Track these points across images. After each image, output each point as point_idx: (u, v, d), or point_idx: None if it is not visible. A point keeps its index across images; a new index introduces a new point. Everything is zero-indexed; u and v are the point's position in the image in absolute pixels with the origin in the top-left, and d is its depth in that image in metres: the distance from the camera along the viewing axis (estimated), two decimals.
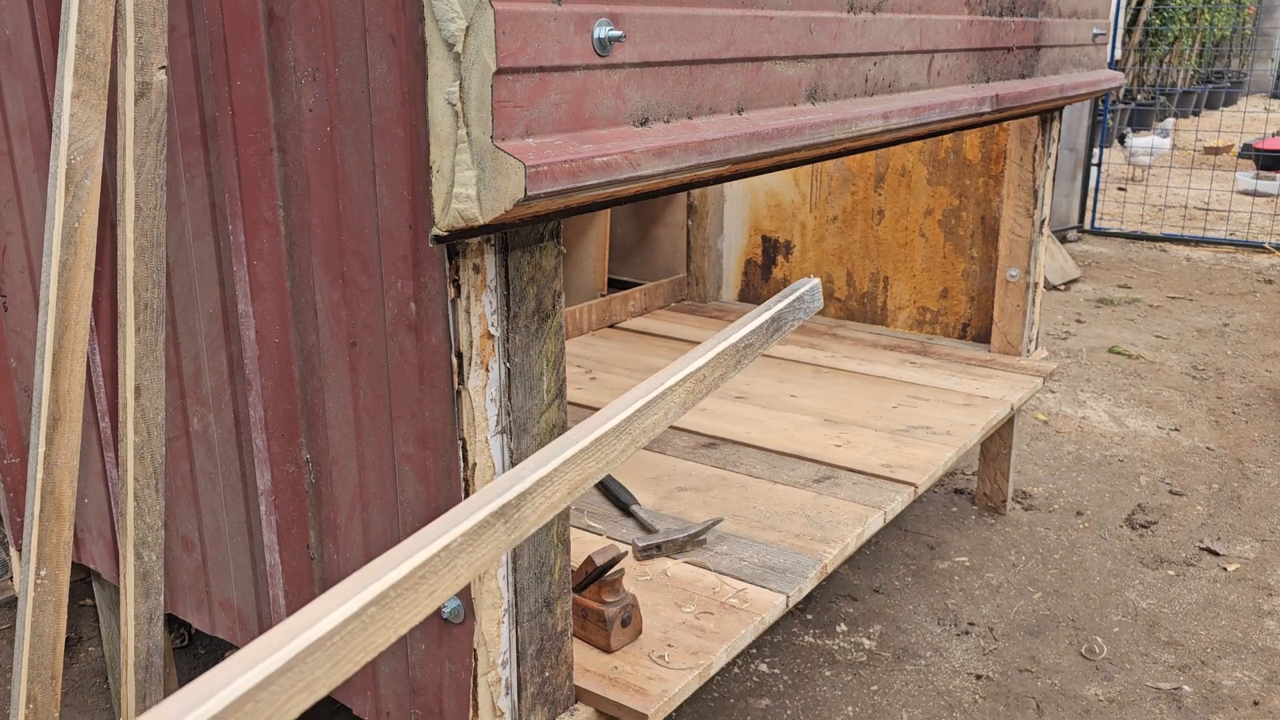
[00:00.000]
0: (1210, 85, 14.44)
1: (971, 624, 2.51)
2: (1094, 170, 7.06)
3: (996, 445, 2.99)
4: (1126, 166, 8.66)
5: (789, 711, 2.21)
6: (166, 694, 2.10)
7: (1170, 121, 8.66)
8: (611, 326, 3.35)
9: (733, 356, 1.25)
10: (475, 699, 1.38)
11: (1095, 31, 2.67)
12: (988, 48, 2.07)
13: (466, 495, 1.28)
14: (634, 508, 2.06)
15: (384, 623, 0.81)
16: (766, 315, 1.31)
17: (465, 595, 1.33)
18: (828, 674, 2.33)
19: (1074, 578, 2.73)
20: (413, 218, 1.22)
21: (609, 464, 1.08)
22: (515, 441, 1.32)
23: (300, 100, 1.30)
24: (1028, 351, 2.99)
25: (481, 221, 1.09)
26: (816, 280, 1.42)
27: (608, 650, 1.62)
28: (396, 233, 1.24)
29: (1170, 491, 3.24)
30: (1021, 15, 2.19)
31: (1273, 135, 9.28)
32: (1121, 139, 8.42)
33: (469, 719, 1.39)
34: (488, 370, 1.26)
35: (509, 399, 1.30)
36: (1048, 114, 2.78)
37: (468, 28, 1.04)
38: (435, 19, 1.05)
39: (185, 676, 2.32)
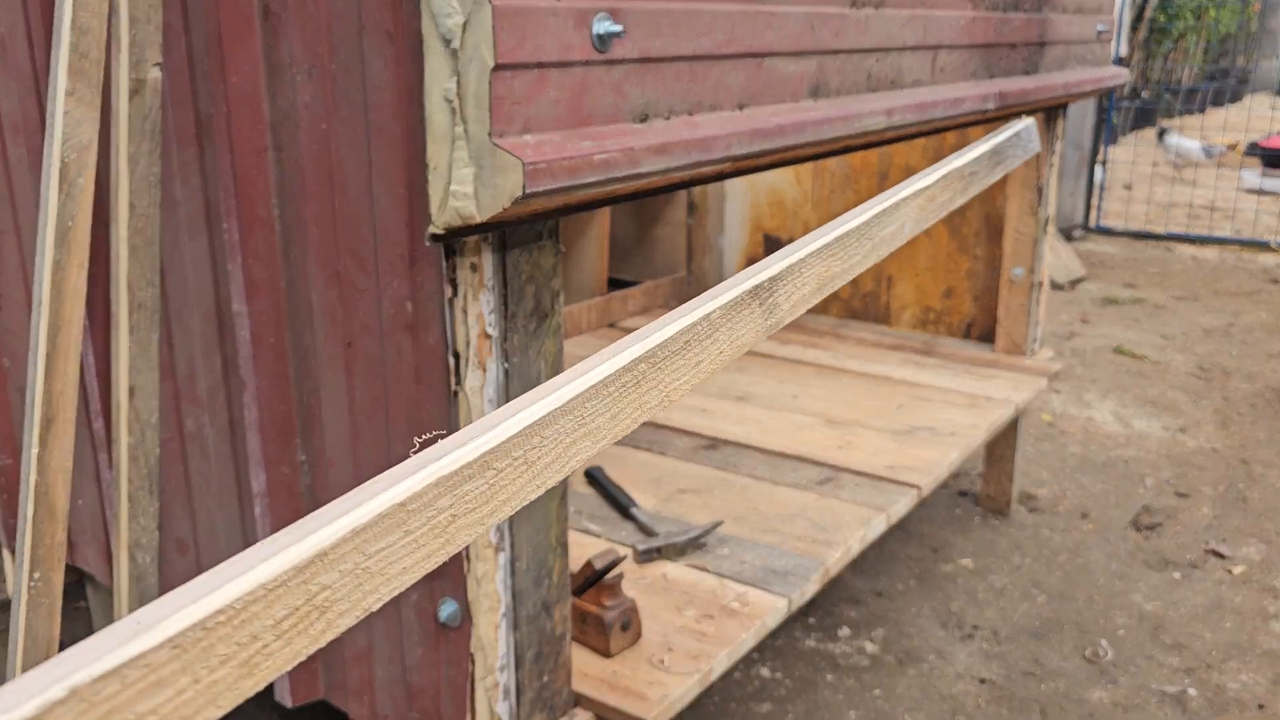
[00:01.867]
0: (1215, 82, 14.41)
1: (975, 627, 2.49)
2: (1099, 168, 7.04)
3: (1001, 446, 2.97)
4: (1158, 164, 8.59)
5: (791, 716, 2.19)
6: None
7: (1220, 148, 8.55)
8: (611, 326, 3.33)
9: (959, 181, 1.32)
10: (473, 704, 1.36)
11: (1099, 28, 2.64)
12: (992, 44, 2.05)
13: None
14: (634, 510, 2.04)
15: (654, 382, 0.85)
16: (987, 146, 1.37)
17: (462, 598, 1.32)
18: (830, 678, 2.31)
19: (1079, 580, 2.71)
20: (409, 216, 1.20)
21: (852, 267, 1.13)
22: None
23: (296, 97, 1.29)
24: (1032, 351, 2.97)
25: (479, 220, 1.07)
26: (1031, 120, 1.46)
27: (607, 654, 1.60)
28: (393, 231, 1.23)
29: (1176, 493, 3.22)
30: (1025, 11, 2.17)
31: (1278, 133, 9.25)
32: (1161, 135, 8.36)
33: None
34: (485, 371, 1.24)
35: (507, 399, 1.28)
36: (1052, 111, 2.76)
37: (465, 23, 1.02)
38: (432, 14, 1.04)
39: None
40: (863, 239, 1.14)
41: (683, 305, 0.93)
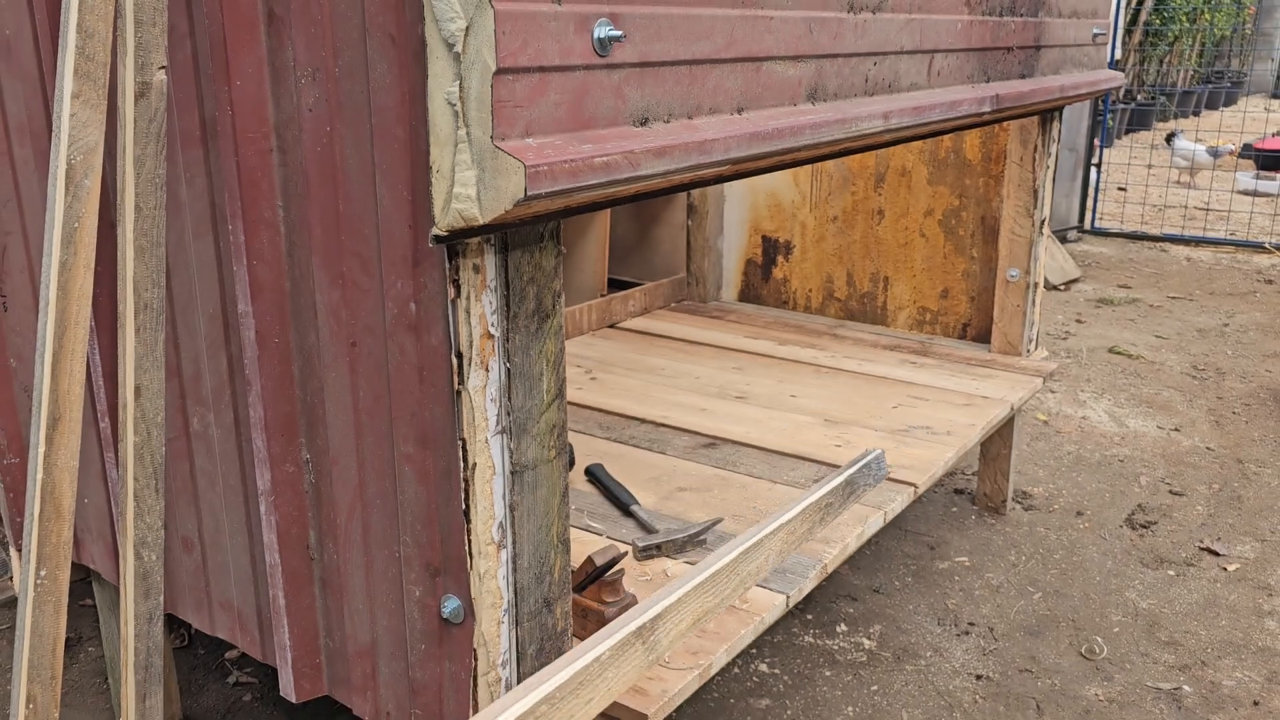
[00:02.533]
0: (1210, 85, 14.44)
1: (972, 624, 2.51)
2: (1094, 170, 7.06)
3: (997, 445, 2.99)
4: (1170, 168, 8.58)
5: (789, 712, 2.21)
6: (166, 694, 2.10)
7: (1227, 148, 8.54)
8: (611, 326, 3.35)
9: (816, 512, 1.52)
10: (475, 699, 1.38)
11: (1095, 31, 2.66)
12: (988, 48, 2.07)
13: (466, 496, 1.28)
14: (634, 508, 2.06)
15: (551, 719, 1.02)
16: (840, 479, 1.57)
17: (465, 595, 1.33)
18: (828, 674, 2.33)
19: (1074, 578, 2.73)
20: (413, 218, 1.22)
21: (724, 600, 1.32)
22: (515, 442, 1.32)
23: (300, 100, 1.30)
24: (1028, 351, 2.99)
25: (481, 221, 1.09)
26: (881, 451, 1.65)
27: None
28: (396, 233, 1.24)
29: (1170, 491, 3.24)
30: (1022, 15, 2.19)
31: (1273, 135, 9.28)
32: (1169, 139, 8.36)
33: (469, 719, 1.39)
34: (488, 370, 1.26)
35: (509, 399, 1.30)
36: (1048, 114, 2.78)
37: (467, 27, 1.04)
38: (435, 19, 1.05)
39: (185, 677, 2.32)
40: (731, 575, 1.31)
41: (573, 650, 1.09)
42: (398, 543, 1.40)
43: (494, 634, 1.36)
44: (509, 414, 1.30)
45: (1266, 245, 6.63)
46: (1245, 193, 8.36)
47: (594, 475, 2.20)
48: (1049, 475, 3.34)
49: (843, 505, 1.55)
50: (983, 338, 3.11)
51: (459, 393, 1.24)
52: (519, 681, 1.41)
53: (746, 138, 1.36)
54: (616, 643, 1.07)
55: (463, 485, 1.28)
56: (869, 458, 1.60)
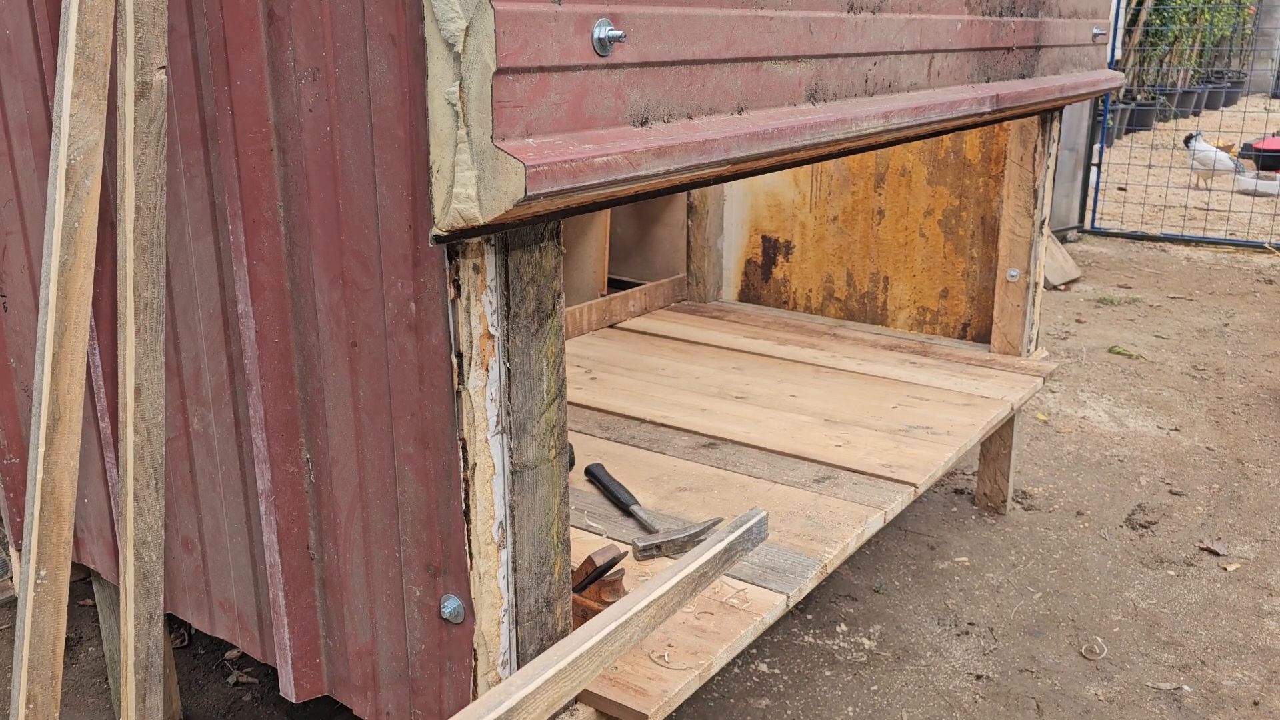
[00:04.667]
0: (1210, 85, 14.44)
1: (971, 624, 2.51)
2: (1094, 170, 7.06)
3: (996, 445, 2.99)
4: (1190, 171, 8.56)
5: (789, 711, 2.21)
6: (166, 694, 2.10)
7: (1243, 164, 8.52)
8: (611, 326, 3.35)
9: (690, 584, 1.46)
10: (474, 698, 1.38)
11: (1095, 31, 2.67)
12: (988, 48, 2.07)
13: (466, 496, 1.28)
14: (634, 508, 2.06)
15: None
16: (720, 546, 1.52)
17: (465, 595, 1.34)
18: (828, 674, 2.33)
19: (1074, 578, 2.73)
20: (413, 218, 1.22)
21: (583, 681, 1.26)
22: (515, 441, 1.32)
23: (300, 100, 1.30)
24: (1028, 351, 2.99)
25: (481, 221, 1.09)
26: (764, 512, 1.63)
27: None
28: (396, 233, 1.24)
29: (1170, 491, 3.24)
30: (1021, 15, 2.19)
31: (1273, 135, 9.28)
32: (1188, 141, 8.34)
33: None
34: (488, 370, 1.26)
35: (509, 399, 1.30)
36: (1048, 114, 2.78)
37: (468, 27, 1.04)
38: (435, 19, 1.05)
39: (185, 676, 2.32)
40: (594, 657, 1.26)
41: None
42: (398, 543, 1.40)
43: (494, 634, 1.36)
44: (509, 414, 1.30)
45: (1266, 245, 6.63)
46: (1245, 193, 8.36)
47: (594, 475, 2.20)
48: (1049, 475, 3.34)
49: (717, 574, 1.53)
50: (983, 338, 3.12)
51: (459, 393, 1.24)
52: None
53: (746, 138, 1.36)
54: None
55: (463, 485, 1.28)
56: (751, 521, 1.59)
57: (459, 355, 1.23)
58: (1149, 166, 8.30)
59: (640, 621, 1.33)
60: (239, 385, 1.56)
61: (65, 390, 1.52)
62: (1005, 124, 2.88)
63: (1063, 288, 5.69)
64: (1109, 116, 9.11)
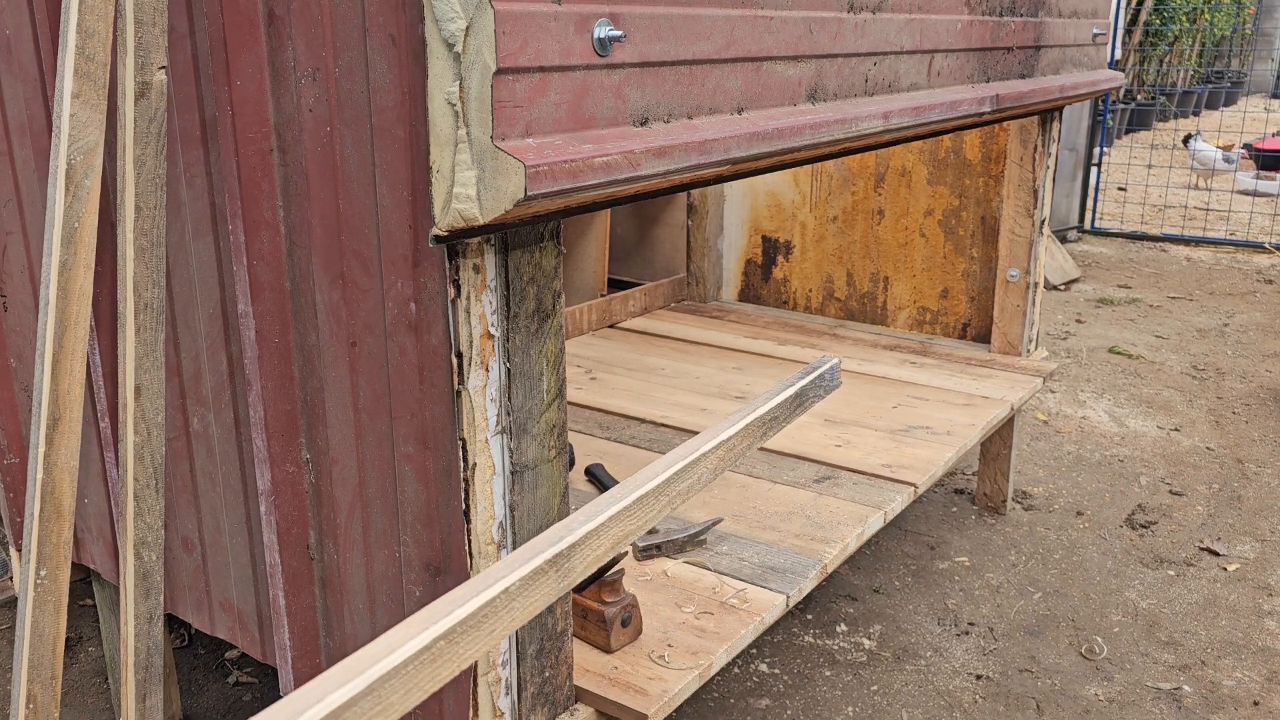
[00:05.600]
0: (1210, 85, 14.44)
1: (971, 624, 2.51)
2: (1094, 170, 7.06)
3: (996, 445, 2.99)
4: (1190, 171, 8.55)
5: (789, 711, 2.21)
6: (166, 694, 2.10)
7: (1237, 154, 8.52)
8: (611, 326, 3.35)
9: (760, 428, 1.39)
10: (475, 699, 1.38)
11: (1095, 31, 2.67)
12: (988, 48, 2.07)
13: (466, 496, 1.28)
14: None
15: (450, 656, 0.89)
16: (791, 390, 1.47)
17: None
18: (828, 674, 2.33)
19: (1074, 578, 2.73)
20: (413, 218, 1.22)
21: (647, 522, 1.19)
22: (515, 441, 1.32)
23: (300, 100, 1.30)
24: (1028, 351, 2.99)
25: (481, 221, 1.09)
26: (836, 360, 1.50)
27: (608, 650, 1.62)
28: (396, 233, 1.24)
29: (1170, 491, 3.24)
30: (1021, 15, 2.19)
31: (1273, 135, 9.28)
32: (1187, 140, 8.34)
33: (469, 719, 1.39)
34: (488, 370, 1.26)
35: (509, 399, 1.30)
36: (1048, 114, 2.78)
37: (468, 28, 1.04)
38: (435, 19, 1.05)
39: (185, 676, 2.32)
40: (660, 496, 1.20)
41: (483, 575, 0.97)
42: (398, 543, 1.40)
43: None
44: (509, 414, 1.30)
45: (1266, 245, 6.63)
46: (1245, 193, 8.36)
47: (594, 475, 2.20)
48: (1049, 475, 3.34)
49: (789, 418, 1.44)
50: (983, 338, 3.12)
51: (459, 393, 1.24)
52: (518, 683, 1.41)
53: (746, 138, 1.36)
54: (528, 573, 0.98)
55: (463, 485, 1.28)
56: (823, 367, 1.48)
57: (459, 355, 1.23)
58: (1149, 166, 8.30)
59: (709, 462, 1.27)
60: (239, 385, 1.56)
61: (65, 390, 1.53)
62: (1005, 124, 2.88)
63: (1063, 288, 5.69)
64: (1109, 116, 9.11)
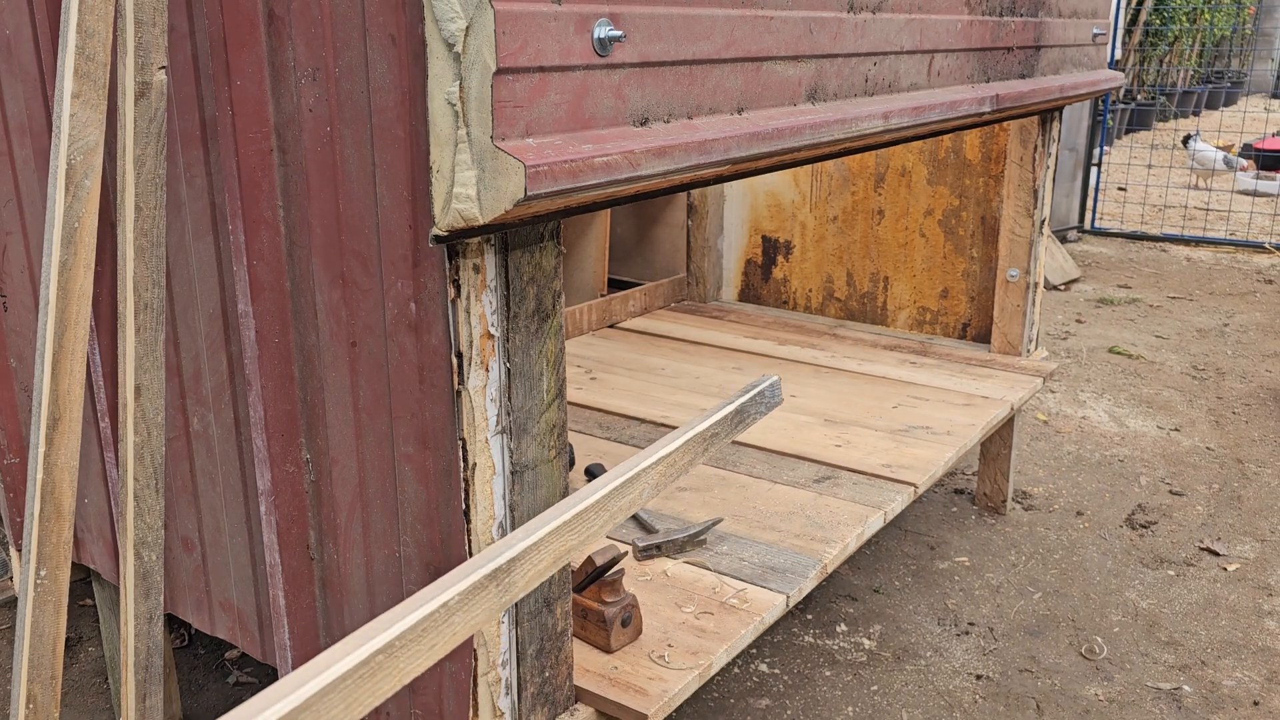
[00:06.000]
0: (1210, 85, 14.44)
1: (971, 624, 2.51)
2: (1094, 170, 7.06)
3: (996, 445, 2.99)
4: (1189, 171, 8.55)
5: (789, 711, 2.21)
6: (166, 694, 2.10)
7: (1241, 162, 8.52)
8: (611, 326, 3.35)
9: (700, 444, 1.39)
10: (475, 699, 1.38)
11: (1095, 31, 2.67)
12: (988, 48, 2.07)
13: (466, 496, 1.28)
14: None
15: (389, 671, 0.90)
16: (731, 407, 1.47)
17: None
18: (828, 674, 2.33)
19: (1074, 578, 2.73)
20: (413, 218, 1.22)
21: (589, 537, 1.19)
22: (515, 441, 1.32)
23: (300, 100, 1.30)
24: (1028, 351, 2.99)
25: (481, 221, 1.09)
26: (777, 378, 1.52)
27: (608, 650, 1.62)
28: (396, 233, 1.24)
29: (1170, 491, 3.24)
30: (1022, 15, 2.19)
31: (1273, 135, 9.28)
32: (1186, 140, 8.34)
33: (469, 719, 1.39)
34: (488, 370, 1.26)
35: (509, 399, 1.30)
36: (1048, 114, 2.78)
37: (468, 28, 1.04)
38: (435, 19, 1.05)
39: (185, 676, 2.32)
40: (600, 512, 1.20)
41: (422, 591, 0.97)
42: (398, 543, 1.40)
43: (494, 634, 1.36)
44: (509, 414, 1.30)
45: (1266, 245, 6.63)
46: (1245, 193, 8.36)
47: (594, 475, 2.20)
48: (1049, 475, 3.34)
49: (729, 434, 1.45)
50: (983, 338, 3.12)
51: (459, 393, 1.24)
52: (518, 683, 1.41)
53: (746, 138, 1.36)
54: (467, 587, 0.99)
55: (463, 485, 1.28)
56: (764, 384, 1.50)
57: (459, 355, 1.23)
58: (1149, 166, 8.30)
59: (650, 478, 1.29)
60: (239, 385, 1.56)
61: (65, 390, 1.53)
62: (1005, 124, 2.88)
63: (1063, 288, 5.69)
64: (1109, 116, 9.11)
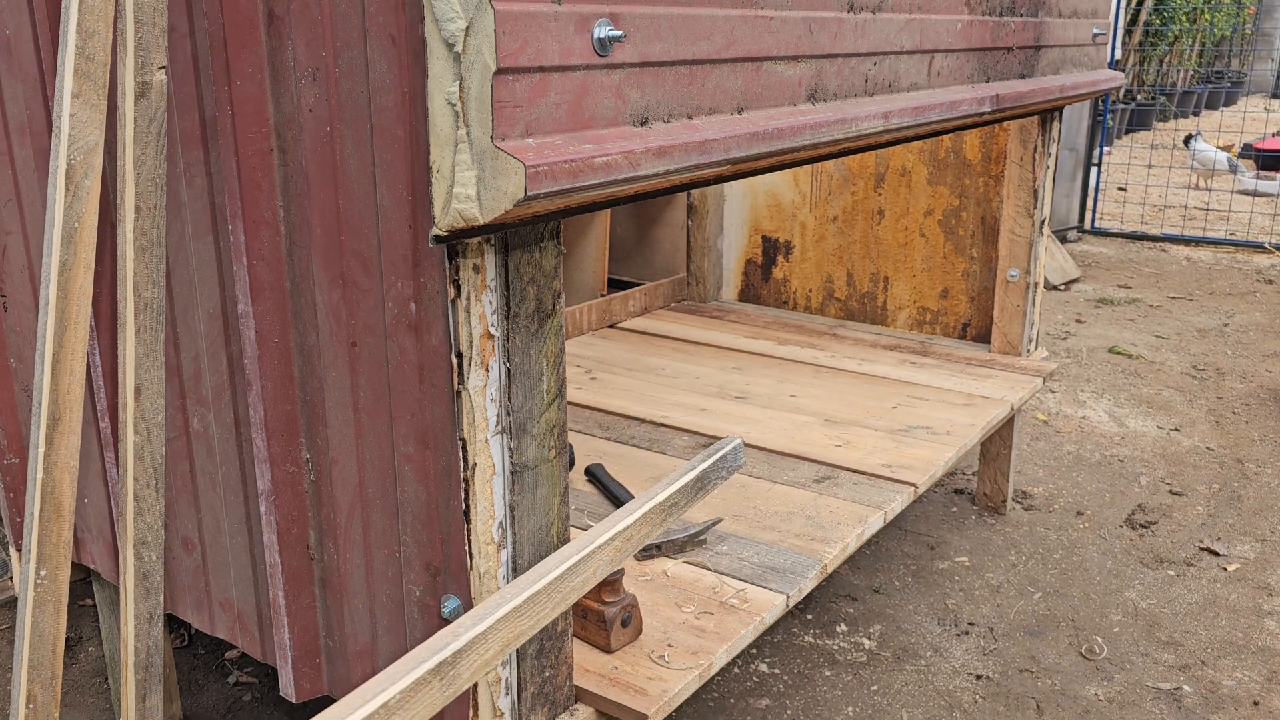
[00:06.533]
0: (1210, 85, 14.44)
1: (971, 624, 2.51)
2: (1094, 170, 7.06)
3: (996, 445, 2.99)
4: (1189, 171, 8.55)
5: (789, 711, 2.21)
6: (166, 694, 2.10)
7: (1242, 164, 8.52)
8: (611, 326, 3.35)
9: (659, 514, 1.36)
10: (475, 699, 1.38)
11: (1095, 31, 2.67)
12: (988, 48, 2.07)
13: (466, 496, 1.28)
14: None
15: None
16: (691, 475, 1.43)
17: (465, 594, 1.34)
18: (828, 674, 2.33)
19: (1074, 578, 2.73)
20: (413, 218, 1.22)
21: (540, 621, 1.15)
22: (515, 441, 1.32)
23: (300, 100, 1.30)
24: (1028, 351, 2.99)
25: (481, 221, 1.09)
26: (739, 440, 1.51)
27: (608, 650, 1.62)
28: (396, 233, 1.24)
29: (1170, 491, 3.24)
30: (1021, 15, 2.19)
31: (1273, 135, 9.28)
32: (1188, 140, 8.34)
33: (469, 719, 1.39)
34: (488, 370, 1.26)
35: (509, 399, 1.30)
36: (1048, 114, 2.78)
37: (468, 28, 1.04)
38: (435, 19, 1.05)
39: (185, 676, 2.32)
40: (553, 593, 1.16)
41: (359, 690, 0.92)
42: (398, 543, 1.40)
43: None
44: (509, 414, 1.30)
45: (1266, 245, 6.63)
46: (1245, 193, 8.36)
47: (594, 475, 2.20)
48: (1049, 475, 3.34)
49: (689, 503, 1.42)
50: (983, 338, 3.12)
51: (459, 393, 1.24)
52: (518, 683, 1.41)
53: (746, 138, 1.36)
54: (409, 685, 0.95)
55: (463, 485, 1.28)
56: (725, 449, 1.46)
57: (459, 355, 1.23)
58: (1149, 166, 8.30)
59: (605, 555, 1.25)
60: (239, 385, 1.56)
61: (65, 390, 1.53)
62: (1005, 124, 2.88)
63: (1063, 288, 5.69)
64: (1109, 116, 9.11)
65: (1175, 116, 13.32)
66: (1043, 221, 2.90)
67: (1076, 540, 2.93)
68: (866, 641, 2.45)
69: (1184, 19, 12.13)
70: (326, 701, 1.68)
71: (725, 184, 3.03)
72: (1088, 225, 7.10)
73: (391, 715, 0.93)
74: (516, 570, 1.37)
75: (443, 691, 1.00)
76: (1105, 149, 8.59)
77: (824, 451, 2.35)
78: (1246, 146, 9.50)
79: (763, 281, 3.55)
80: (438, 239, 1.15)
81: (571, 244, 3.47)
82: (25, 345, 1.95)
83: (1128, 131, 11.84)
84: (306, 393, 1.45)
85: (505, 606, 1.09)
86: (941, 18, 1.87)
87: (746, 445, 2.41)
